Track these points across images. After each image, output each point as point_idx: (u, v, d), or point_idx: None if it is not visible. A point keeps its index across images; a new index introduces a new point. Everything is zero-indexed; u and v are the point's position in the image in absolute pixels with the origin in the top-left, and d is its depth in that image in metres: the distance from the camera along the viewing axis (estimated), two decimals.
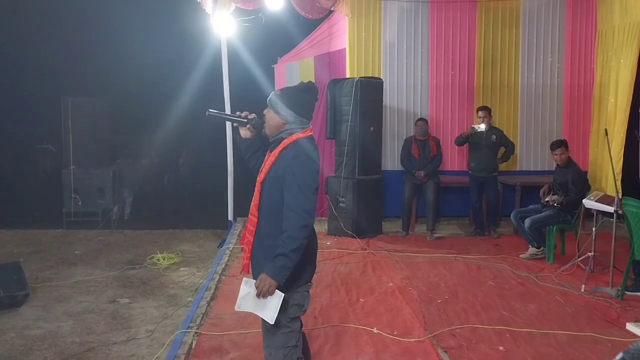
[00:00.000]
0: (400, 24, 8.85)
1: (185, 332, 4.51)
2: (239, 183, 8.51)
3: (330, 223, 8.14)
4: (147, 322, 5.09)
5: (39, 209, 10.26)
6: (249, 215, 3.02)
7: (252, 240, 2.99)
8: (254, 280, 2.86)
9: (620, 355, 1.14)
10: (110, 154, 11.03)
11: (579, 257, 6.22)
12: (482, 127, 7.74)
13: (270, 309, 2.81)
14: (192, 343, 4.37)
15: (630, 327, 4.60)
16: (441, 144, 8.29)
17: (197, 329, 4.61)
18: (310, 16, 8.39)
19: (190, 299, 5.69)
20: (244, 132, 3.13)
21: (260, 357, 4.14)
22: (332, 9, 8.55)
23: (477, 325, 4.75)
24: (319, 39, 9.38)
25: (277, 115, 2.96)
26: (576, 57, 9.08)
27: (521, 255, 6.95)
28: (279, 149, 2.92)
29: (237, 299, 2.92)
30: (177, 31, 11.31)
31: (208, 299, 5.28)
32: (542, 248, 6.82)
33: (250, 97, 11.26)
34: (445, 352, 4.23)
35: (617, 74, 8.26)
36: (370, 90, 7.96)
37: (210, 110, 3.17)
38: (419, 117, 8.42)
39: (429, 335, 4.50)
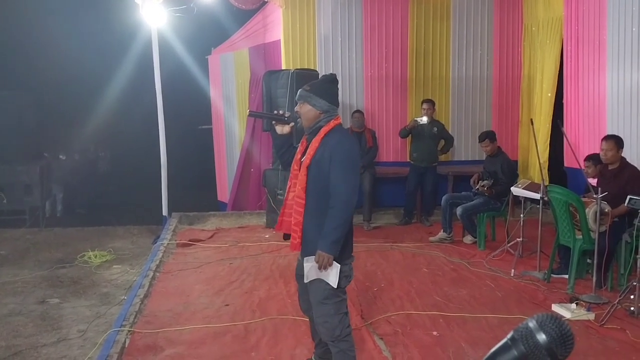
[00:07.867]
0: (334, 16, 8.86)
1: (118, 330, 4.39)
2: (173, 177, 8.34)
3: (269, 216, 8.10)
4: (78, 322, 4.94)
5: None
6: (295, 198, 3.26)
7: (301, 220, 3.24)
8: (313, 257, 3.18)
9: (510, 333, 1.19)
10: (37, 149, 10.58)
11: (508, 242, 6.45)
12: (425, 119, 7.90)
13: (332, 276, 3.21)
14: (125, 341, 4.26)
15: (555, 308, 4.81)
16: (377, 135, 8.40)
17: (131, 327, 4.49)
18: (243, 7, 8.27)
19: (123, 297, 5.55)
20: (281, 129, 3.46)
21: (196, 353, 4.12)
22: None
23: (411, 311, 4.85)
24: (254, 30, 9.27)
25: (313, 107, 3.27)
26: (504, 50, 9.34)
27: (430, 238, 7.24)
28: (320, 136, 3.24)
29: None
30: (105, 22, 10.94)
31: (142, 296, 5.15)
32: (451, 234, 7.15)
33: (183, 88, 11.09)
34: (381, 338, 4.31)
35: (542, 66, 8.56)
36: (306, 82, 7.74)
37: (250, 111, 3.61)
38: (355, 109, 8.49)
39: (366, 323, 4.57)
